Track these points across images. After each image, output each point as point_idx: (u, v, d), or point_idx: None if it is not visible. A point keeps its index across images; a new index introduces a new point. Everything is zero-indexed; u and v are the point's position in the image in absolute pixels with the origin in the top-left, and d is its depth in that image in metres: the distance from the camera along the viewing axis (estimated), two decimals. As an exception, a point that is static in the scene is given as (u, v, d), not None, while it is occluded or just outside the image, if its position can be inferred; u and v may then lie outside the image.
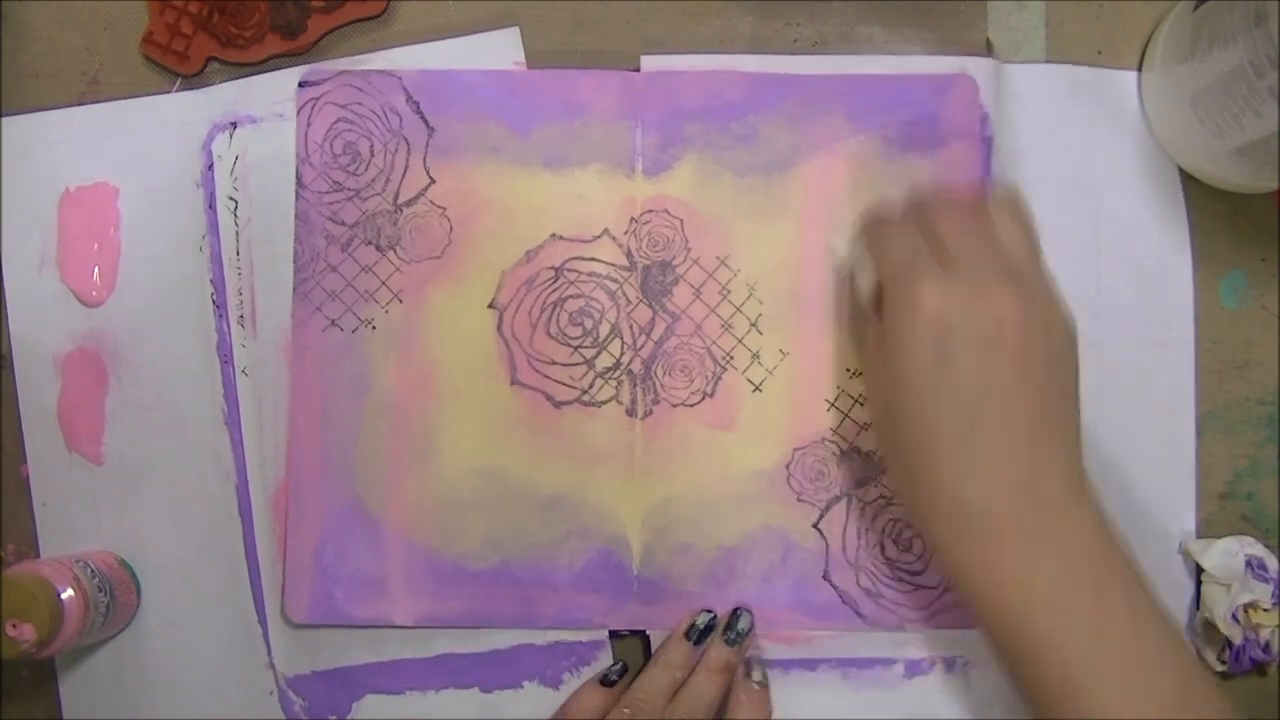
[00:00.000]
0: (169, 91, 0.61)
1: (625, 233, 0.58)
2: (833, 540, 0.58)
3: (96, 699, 0.60)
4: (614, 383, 0.58)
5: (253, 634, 0.59)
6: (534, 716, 0.58)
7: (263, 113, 0.60)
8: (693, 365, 0.58)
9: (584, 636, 0.58)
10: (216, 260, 0.60)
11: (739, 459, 0.58)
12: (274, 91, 0.60)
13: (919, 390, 0.48)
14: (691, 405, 0.58)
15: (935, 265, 0.49)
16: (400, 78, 0.59)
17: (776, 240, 0.58)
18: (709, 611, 0.57)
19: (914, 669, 0.58)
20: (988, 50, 0.59)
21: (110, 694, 0.60)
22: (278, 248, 0.59)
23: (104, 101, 0.61)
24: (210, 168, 0.60)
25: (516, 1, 0.60)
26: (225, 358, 0.59)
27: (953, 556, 0.49)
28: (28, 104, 0.61)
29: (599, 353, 0.58)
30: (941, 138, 0.58)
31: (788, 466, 0.58)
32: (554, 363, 0.58)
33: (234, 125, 0.60)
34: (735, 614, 0.57)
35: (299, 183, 0.59)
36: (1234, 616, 0.56)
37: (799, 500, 0.58)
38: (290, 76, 0.60)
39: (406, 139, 0.59)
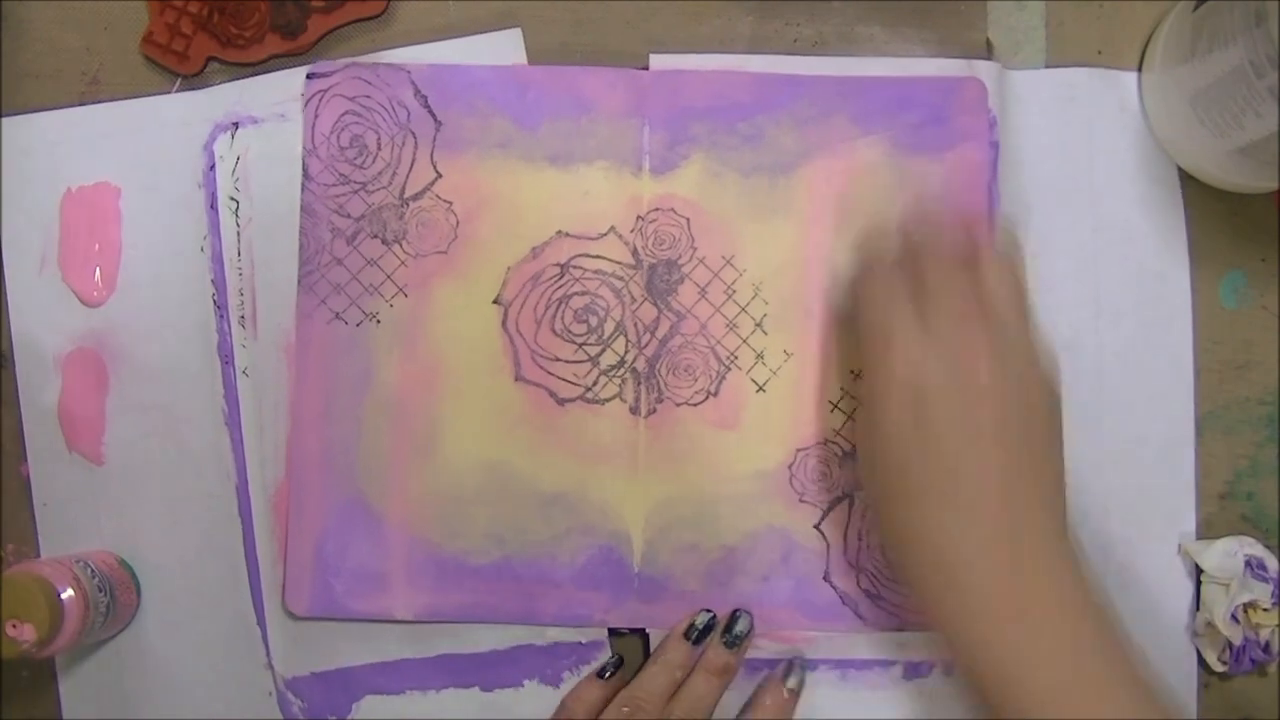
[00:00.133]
0: (169, 92, 0.60)
1: (631, 231, 0.58)
2: (834, 541, 0.58)
3: (96, 699, 0.60)
4: (618, 381, 0.58)
5: (252, 635, 0.59)
6: (534, 716, 0.58)
7: (264, 113, 0.59)
8: (697, 364, 0.58)
9: (584, 636, 0.58)
10: (218, 260, 0.59)
11: (742, 459, 0.58)
12: (276, 92, 0.59)
13: (899, 446, 0.49)
14: (695, 404, 0.58)
15: (914, 322, 0.49)
16: (409, 71, 0.59)
17: (782, 241, 0.58)
18: (708, 611, 0.57)
19: (913, 671, 0.58)
20: (988, 50, 0.59)
21: (110, 694, 0.60)
22: (279, 248, 0.59)
23: (104, 102, 0.60)
24: (212, 168, 0.60)
25: (517, 1, 0.60)
26: (226, 358, 0.59)
27: (930, 603, 0.49)
28: (28, 104, 0.61)
29: (603, 350, 0.58)
30: (949, 140, 0.58)
31: (790, 467, 0.58)
32: (558, 359, 0.58)
33: (236, 126, 0.60)
34: (734, 616, 0.57)
35: (305, 175, 0.59)
36: (1234, 616, 0.56)
37: (801, 501, 0.58)
38: (292, 76, 0.59)
39: (414, 133, 0.59)
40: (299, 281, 0.59)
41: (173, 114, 0.60)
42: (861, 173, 0.58)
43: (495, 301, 0.58)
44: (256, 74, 0.60)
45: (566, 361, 0.58)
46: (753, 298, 0.58)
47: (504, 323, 0.58)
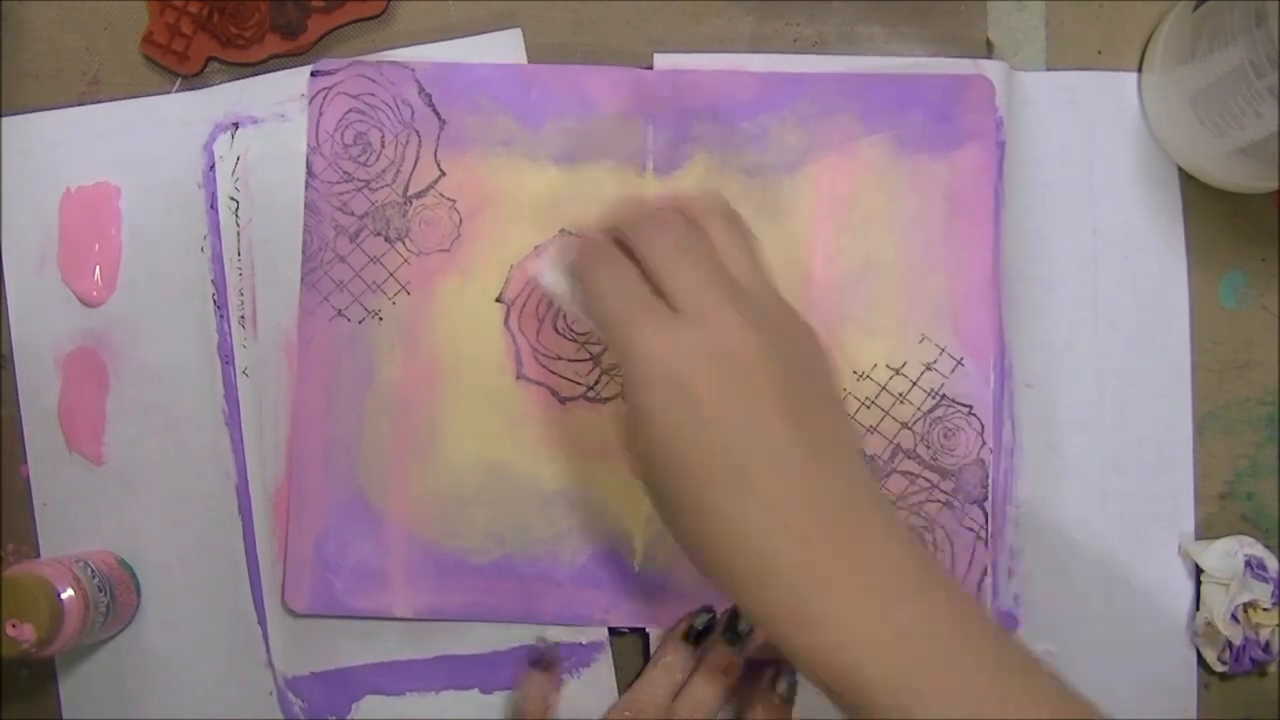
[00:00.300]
0: (169, 92, 0.60)
1: None
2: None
3: (96, 699, 0.60)
4: (620, 380, 0.58)
5: (252, 634, 0.59)
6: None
7: (264, 113, 0.59)
8: None
9: (584, 637, 0.58)
10: (218, 260, 0.59)
11: None
12: (276, 91, 0.60)
13: (673, 442, 0.43)
14: None
15: (652, 308, 0.44)
16: (413, 70, 0.59)
17: (785, 240, 0.58)
18: (708, 611, 0.57)
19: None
20: (988, 50, 0.59)
21: (110, 694, 0.60)
22: (279, 248, 0.59)
23: (104, 101, 0.60)
24: (212, 168, 0.60)
25: (517, 1, 0.60)
26: (226, 358, 0.59)
27: (750, 601, 0.44)
28: (28, 104, 0.61)
29: (605, 349, 0.58)
30: (955, 140, 0.58)
31: (790, 467, 0.58)
32: (560, 358, 0.58)
33: (236, 126, 0.60)
34: (735, 615, 0.56)
35: (309, 172, 0.59)
36: (1234, 616, 0.56)
37: (801, 500, 0.58)
38: (292, 76, 0.60)
39: (418, 131, 0.59)
40: (302, 279, 0.59)
41: (172, 114, 0.60)
42: (866, 171, 0.58)
43: (498, 300, 0.58)
44: (257, 74, 0.60)
45: (569, 360, 0.58)
46: (756, 297, 0.58)
47: (506, 321, 0.58)
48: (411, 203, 0.59)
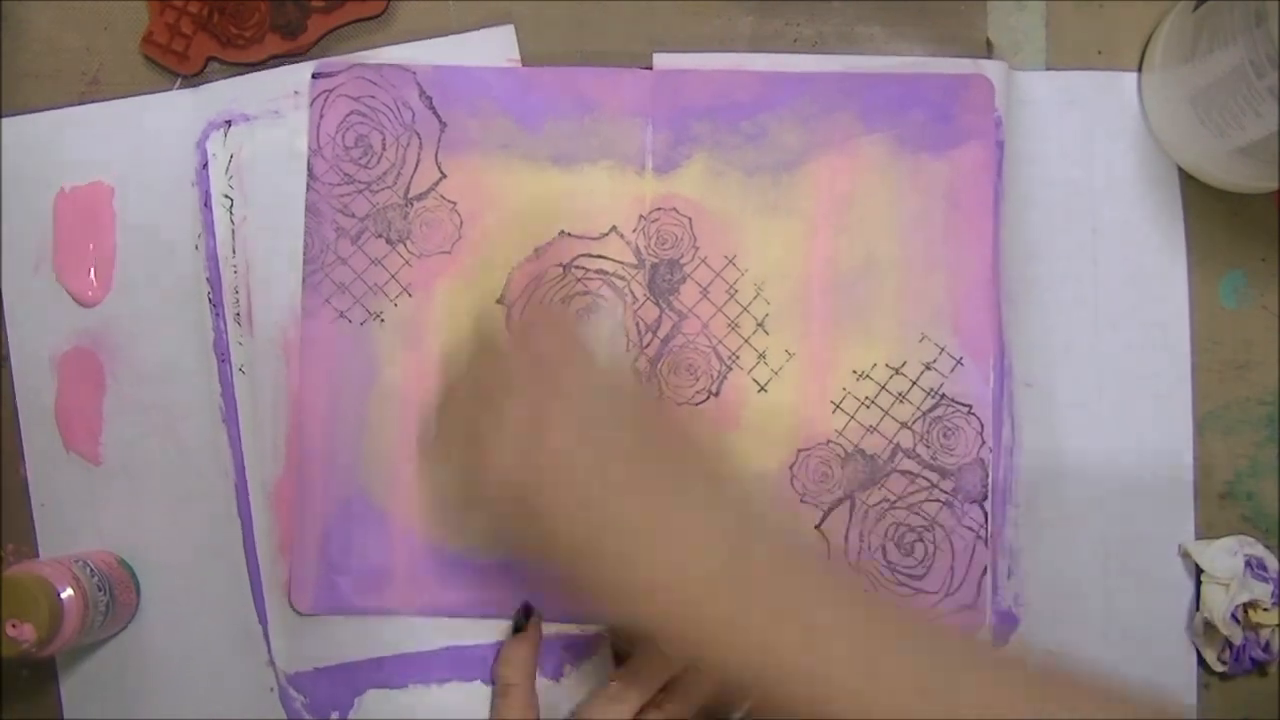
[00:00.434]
0: (169, 90, 0.60)
1: (634, 230, 0.58)
2: (835, 542, 0.58)
3: (97, 698, 0.60)
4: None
5: (253, 632, 0.59)
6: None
7: (257, 110, 0.59)
8: (698, 364, 0.58)
9: (585, 630, 0.58)
10: (212, 258, 0.59)
11: (743, 459, 0.57)
12: (269, 89, 0.59)
13: (544, 542, 0.46)
14: (696, 404, 0.58)
15: (493, 421, 0.46)
16: (414, 72, 0.59)
17: (785, 240, 0.58)
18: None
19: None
20: (988, 50, 0.59)
21: (111, 693, 0.60)
22: (275, 244, 0.59)
23: (101, 101, 0.60)
24: (205, 166, 0.60)
25: (516, 1, 0.60)
26: (222, 356, 0.59)
27: (659, 630, 0.46)
28: (28, 104, 0.61)
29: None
30: (954, 139, 0.58)
31: (791, 467, 0.58)
32: None
33: (228, 124, 0.60)
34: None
35: (310, 174, 0.59)
36: (1234, 616, 0.56)
37: (802, 501, 0.58)
38: (285, 73, 0.60)
39: (418, 133, 0.59)
40: (303, 281, 0.59)
41: (166, 113, 0.60)
42: (865, 171, 0.58)
43: (499, 301, 0.58)
44: (253, 73, 0.60)
45: None
46: (755, 297, 0.58)
47: (507, 322, 0.58)
48: (413, 205, 0.59)
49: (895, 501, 0.57)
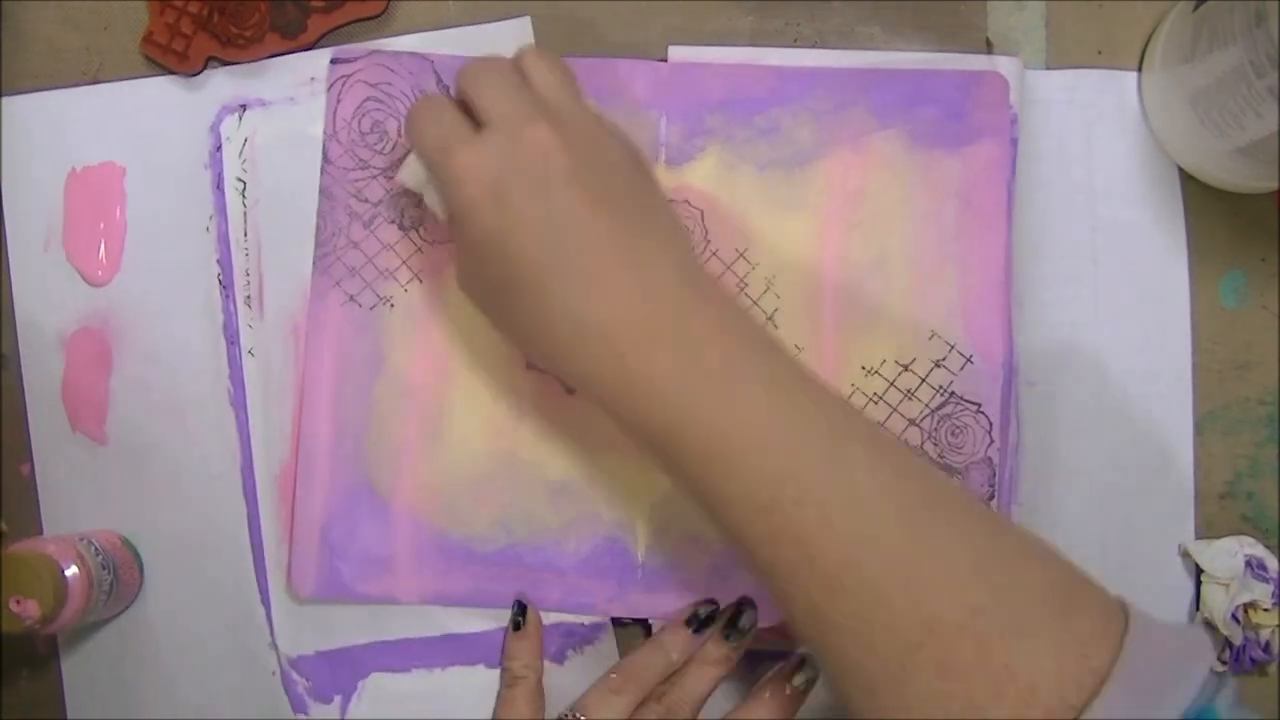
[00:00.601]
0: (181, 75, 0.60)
1: None
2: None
3: (99, 678, 0.60)
4: None
5: (256, 614, 0.59)
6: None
7: (273, 95, 0.59)
8: None
9: (587, 619, 0.58)
10: (224, 241, 0.59)
11: None
12: (286, 76, 0.59)
13: (495, 247, 0.47)
14: None
15: (465, 133, 0.48)
16: (431, 61, 0.59)
17: (797, 235, 0.58)
18: (711, 602, 0.56)
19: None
20: (988, 50, 0.59)
21: (113, 673, 0.59)
22: (287, 229, 0.59)
23: (109, 82, 0.60)
24: (219, 149, 0.59)
25: (516, 1, 0.60)
26: (231, 339, 0.59)
27: (581, 377, 0.48)
28: (28, 104, 0.61)
29: None
30: (968, 136, 0.58)
31: (799, 460, 0.58)
32: None
33: (243, 107, 0.60)
34: (740, 609, 0.56)
35: (325, 158, 0.59)
36: (1234, 616, 0.56)
37: (809, 494, 0.57)
38: (303, 60, 0.59)
39: None
40: (314, 264, 0.59)
41: (180, 95, 0.60)
42: (878, 167, 0.58)
43: None
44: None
45: None
46: (765, 291, 0.58)
47: None
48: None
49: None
